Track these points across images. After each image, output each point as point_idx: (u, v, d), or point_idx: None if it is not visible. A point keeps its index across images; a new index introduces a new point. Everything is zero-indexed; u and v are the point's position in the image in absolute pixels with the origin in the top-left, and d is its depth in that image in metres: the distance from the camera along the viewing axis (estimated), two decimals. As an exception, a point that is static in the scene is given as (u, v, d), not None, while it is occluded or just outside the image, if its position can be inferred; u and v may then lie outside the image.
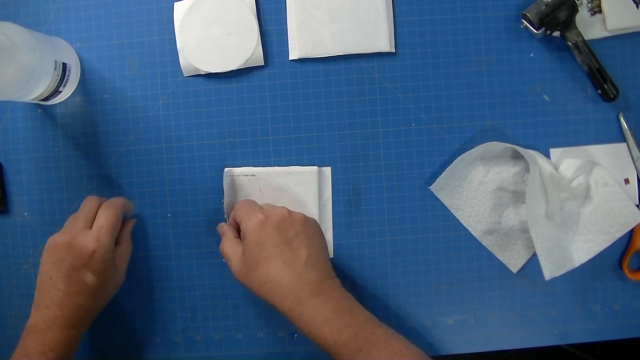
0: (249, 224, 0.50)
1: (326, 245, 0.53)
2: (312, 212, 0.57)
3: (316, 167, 0.57)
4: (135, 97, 0.58)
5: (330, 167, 0.58)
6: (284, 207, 0.52)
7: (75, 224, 0.51)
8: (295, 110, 0.58)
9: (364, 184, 0.58)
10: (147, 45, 0.58)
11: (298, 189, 0.57)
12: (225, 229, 0.54)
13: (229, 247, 0.52)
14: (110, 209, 0.52)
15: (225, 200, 0.57)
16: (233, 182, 0.57)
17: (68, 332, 0.49)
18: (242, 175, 0.57)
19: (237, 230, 0.54)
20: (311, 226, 0.52)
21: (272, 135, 0.58)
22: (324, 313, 0.47)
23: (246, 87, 0.58)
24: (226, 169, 0.57)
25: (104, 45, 0.58)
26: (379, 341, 0.47)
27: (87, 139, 0.58)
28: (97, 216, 0.52)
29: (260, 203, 0.55)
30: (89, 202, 0.53)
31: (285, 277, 0.48)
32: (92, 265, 0.49)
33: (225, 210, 0.57)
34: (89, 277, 0.49)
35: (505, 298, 0.58)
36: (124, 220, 0.55)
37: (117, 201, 0.54)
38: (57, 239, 0.50)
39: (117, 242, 0.54)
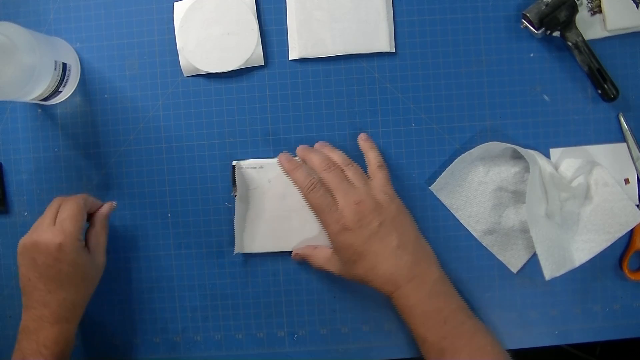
0: (330, 229, 0.51)
1: (412, 219, 0.53)
2: None
3: None
4: (135, 97, 0.58)
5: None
6: (357, 196, 0.50)
7: (40, 224, 0.51)
8: (295, 110, 0.58)
9: (364, 184, 0.58)
10: (147, 45, 0.58)
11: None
12: (308, 251, 0.55)
13: (325, 263, 0.54)
14: (70, 201, 0.52)
15: (238, 193, 0.57)
16: (242, 175, 0.57)
17: (60, 327, 0.49)
18: (251, 167, 0.57)
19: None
20: (393, 208, 0.52)
21: (272, 135, 0.58)
22: (418, 296, 0.49)
23: (246, 87, 0.58)
24: (234, 162, 0.57)
25: (104, 45, 0.58)
26: (465, 333, 0.48)
27: (87, 139, 0.58)
28: (59, 212, 0.51)
29: (269, 195, 0.56)
30: (53, 202, 0.53)
31: (381, 267, 0.49)
32: (64, 257, 0.49)
33: (236, 204, 0.57)
34: (64, 270, 0.49)
35: (505, 298, 0.58)
36: (102, 204, 0.55)
37: (78, 195, 0.53)
38: (24, 241, 0.50)
39: (90, 224, 0.53)
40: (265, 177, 0.57)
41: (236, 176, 0.57)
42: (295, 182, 0.53)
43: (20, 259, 0.51)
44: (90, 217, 0.54)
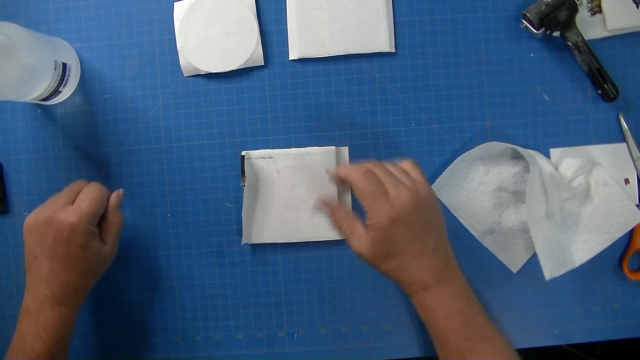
0: (379, 218, 0.47)
1: (444, 222, 0.52)
2: (332, 192, 0.57)
3: (334, 147, 0.57)
4: (135, 97, 0.58)
5: (347, 147, 0.58)
6: (409, 191, 0.48)
7: (56, 200, 0.50)
8: (295, 110, 0.58)
9: (364, 184, 0.58)
10: (147, 45, 0.58)
11: (316, 169, 0.57)
12: (348, 227, 0.50)
13: (359, 245, 0.49)
14: (92, 186, 0.51)
15: (247, 183, 0.57)
16: (251, 165, 0.57)
17: (60, 310, 0.49)
18: (260, 157, 0.57)
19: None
20: (437, 210, 0.51)
21: (272, 136, 0.58)
22: (443, 298, 0.49)
23: (246, 87, 0.58)
24: (243, 152, 0.57)
25: (104, 45, 0.58)
26: (486, 335, 0.48)
27: (87, 139, 0.58)
28: (80, 193, 0.51)
29: (278, 185, 0.56)
30: (73, 184, 0.53)
31: (414, 267, 0.49)
32: (75, 239, 0.48)
33: (244, 195, 0.57)
34: (73, 251, 0.49)
35: (505, 298, 0.58)
36: (111, 198, 0.54)
37: (102, 186, 0.53)
38: (37, 216, 0.49)
39: (103, 215, 0.53)
40: (274, 167, 0.57)
41: (245, 166, 0.57)
42: (346, 174, 0.50)
43: (27, 234, 0.50)
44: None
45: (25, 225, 0.50)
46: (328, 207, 0.52)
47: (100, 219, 0.52)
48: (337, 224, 0.51)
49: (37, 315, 0.49)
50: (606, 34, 0.57)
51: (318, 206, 0.53)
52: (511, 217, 0.57)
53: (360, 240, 0.49)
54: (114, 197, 0.54)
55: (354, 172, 0.49)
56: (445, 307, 0.48)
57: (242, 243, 0.57)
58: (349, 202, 0.58)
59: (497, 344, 0.48)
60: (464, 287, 0.50)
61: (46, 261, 0.49)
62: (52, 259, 0.49)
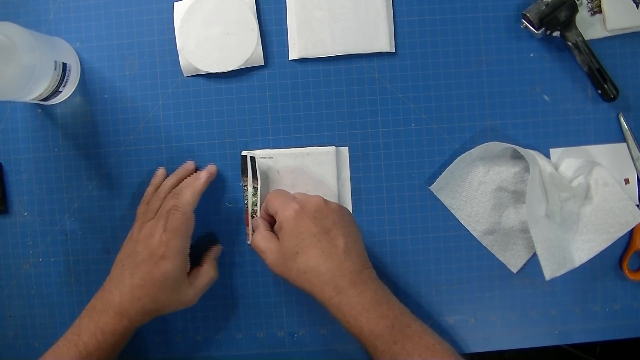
0: (285, 213, 0.50)
1: (361, 235, 0.53)
2: (332, 192, 0.57)
3: (334, 147, 0.57)
4: (135, 97, 0.58)
5: (347, 147, 0.58)
6: (319, 196, 0.52)
7: (153, 224, 0.51)
8: (295, 111, 0.58)
9: (363, 184, 0.58)
10: (147, 45, 0.58)
11: (316, 169, 0.57)
12: (258, 222, 0.54)
13: (261, 240, 0.52)
14: (179, 212, 0.51)
15: (248, 185, 0.57)
16: (249, 166, 0.57)
17: (121, 320, 0.49)
18: (260, 157, 0.57)
19: (270, 223, 0.54)
20: (347, 216, 0.52)
21: (272, 136, 0.58)
22: (362, 303, 0.48)
23: (246, 87, 0.58)
24: (244, 152, 0.57)
25: (104, 45, 0.58)
26: (413, 335, 0.47)
27: (87, 139, 0.58)
28: (170, 215, 0.51)
29: (279, 185, 0.56)
30: (165, 186, 0.55)
31: (324, 266, 0.48)
32: (161, 265, 0.49)
33: (247, 194, 0.57)
34: (154, 275, 0.49)
35: (505, 298, 0.58)
36: (210, 247, 0.57)
37: (193, 197, 0.53)
38: (137, 236, 0.52)
39: (201, 262, 0.55)
40: (274, 167, 0.57)
41: (248, 167, 0.57)
42: (267, 205, 0.54)
43: (127, 243, 0.52)
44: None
45: (130, 236, 0.53)
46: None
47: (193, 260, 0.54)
48: (254, 228, 0.55)
49: (100, 315, 0.49)
50: (606, 34, 0.57)
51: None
52: (511, 217, 0.57)
53: (264, 237, 0.52)
54: (213, 250, 0.56)
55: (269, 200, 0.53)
56: (366, 312, 0.47)
57: (248, 243, 0.57)
58: (349, 202, 0.58)
59: (428, 339, 0.47)
60: (383, 291, 0.50)
61: (128, 272, 0.50)
62: (134, 272, 0.50)
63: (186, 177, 0.55)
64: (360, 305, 0.48)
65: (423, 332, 0.48)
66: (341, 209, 0.52)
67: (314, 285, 0.49)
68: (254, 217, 0.56)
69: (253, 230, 0.55)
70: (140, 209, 0.55)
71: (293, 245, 0.49)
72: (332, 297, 0.48)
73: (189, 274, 0.53)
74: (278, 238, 0.51)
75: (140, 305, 0.50)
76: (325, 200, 0.51)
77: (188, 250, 0.52)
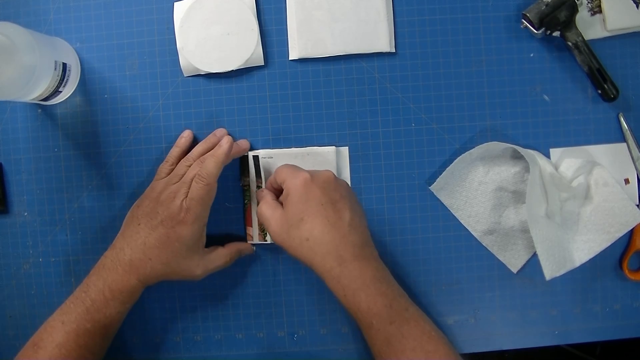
0: (294, 181, 0.50)
1: (365, 217, 0.53)
2: None
3: (334, 147, 0.57)
4: (135, 97, 0.58)
5: (347, 147, 0.58)
6: (330, 170, 0.52)
7: (177, 183, 0.51)
8: (295, 111, 0.58)
9: (363, 184, 0.58)
10: (147, 45, 0.58)
11: (316, 169, 0.57)
12: (264, 192, 0.54)
13: (267, 208, 0.52)
14: (203, 182, 0.50)
15: (250, 183, 0.57)
16: (253, 165, 0.57)
17: (129, 278, 0.49)
18: (260, 157, 0.57)
19: (276, 195, 0.54)
20: (354, 195, 0.53)
21: (272, 136, 0.58)
22: (362, 278, 0.47)
23: (246, 87, 0.58)
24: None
25: (104, 45, 0.58)
26: (410, 318, 0.47)
27: (87, 139, 0.58)
28: (193, 183, 0.50)
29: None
30: (195, 153, 0.54)
31: (328, 235, 0.48)
32: (179, 229, 0.50)
33: (250, 193, 0.58)
34: (170, 238, 0.49)
35: (505, 298, 0.58)
36: (239, 243, 0.57)
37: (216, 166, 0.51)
38: (158, 196, 0.51)
39: (224, 245, 0.55)
40: (275, 166, 0.57)
41: (251, 165, 0.57)
42: (275, 175, 0.54)
43: (145, 201, 0.52)
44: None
45: (148, 193, 0.52)
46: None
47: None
48: (259, 199, 0.54)
49: (108, 272, 0.49)
50: (606, 34, 0.57)
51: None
52: (511, 217, 0.57)
53: (270, 206, 0.51)
54: (246, 246, 0.57)
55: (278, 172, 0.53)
56: (365, 288, 0.47)
57: (249, 242, 0.57)
58: None
59: (424, 325, 0.47)
60: (384, 271, 0.50)
61: (144, 232, 0.50)
62: (150, 233, 0.50)
63: (216, 144, 0.54)
64: (361, 280, 0.47)
65: (420, 317, 0.48)
66: (350, 188, 0.53)
67: (315, 254, 0.48)
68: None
69: (258, 202, 0.55)
70: (163, 167, 0.55)
71: (299, 211, 0.49)
72: (333, 267, 0.47)
73: (206, 249, 0.53)
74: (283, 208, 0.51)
75: (150, 266, 0.50)
76: (335, 176, 0.51)
77: (206, 220, 0.52)
